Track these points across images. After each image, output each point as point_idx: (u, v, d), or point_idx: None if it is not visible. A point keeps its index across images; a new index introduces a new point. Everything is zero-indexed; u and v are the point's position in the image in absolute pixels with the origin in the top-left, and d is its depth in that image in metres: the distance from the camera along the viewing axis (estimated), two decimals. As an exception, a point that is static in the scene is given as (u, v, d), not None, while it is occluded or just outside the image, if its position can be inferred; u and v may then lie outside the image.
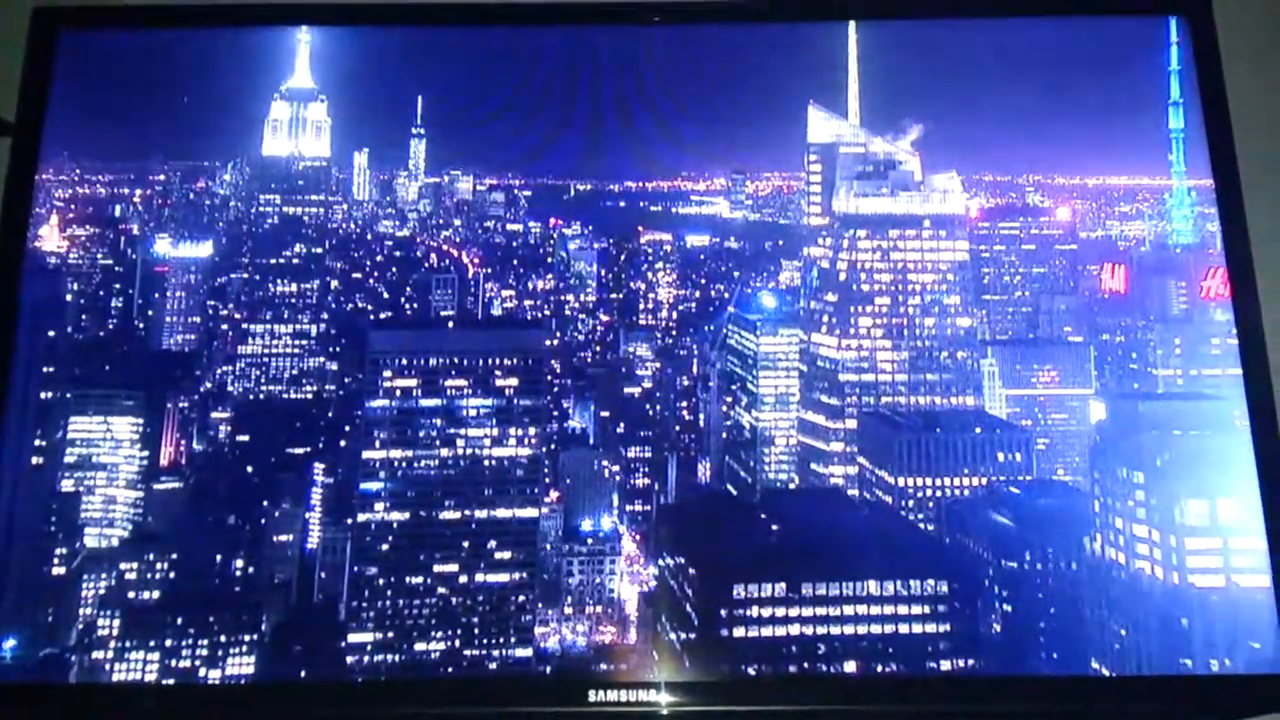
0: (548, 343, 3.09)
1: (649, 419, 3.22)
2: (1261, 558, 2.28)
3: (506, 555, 2.78)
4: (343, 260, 3.28)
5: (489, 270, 3.32)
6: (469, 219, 3.44)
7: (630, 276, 3.37)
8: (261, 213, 3.26)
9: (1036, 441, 2.94)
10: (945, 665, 2.51)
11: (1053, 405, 3.06)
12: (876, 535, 2.80)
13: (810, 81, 3.03)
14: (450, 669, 2.70)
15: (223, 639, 2.56)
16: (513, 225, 3.42)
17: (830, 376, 3.08)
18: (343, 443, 2.94)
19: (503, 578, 2.76)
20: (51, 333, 2.79)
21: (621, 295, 3.35)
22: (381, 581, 2.73)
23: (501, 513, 2.82)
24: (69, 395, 2.81)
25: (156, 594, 2.67)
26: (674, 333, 3.31)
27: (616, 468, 3.09)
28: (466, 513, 2.80)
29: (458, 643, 2.69)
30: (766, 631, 2.48)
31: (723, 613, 2.50)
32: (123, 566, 2.69)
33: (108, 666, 2.55)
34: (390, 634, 2.68)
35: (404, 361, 2.88)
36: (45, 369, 2.72)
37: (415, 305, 3.26)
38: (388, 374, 2.87)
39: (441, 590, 2.73)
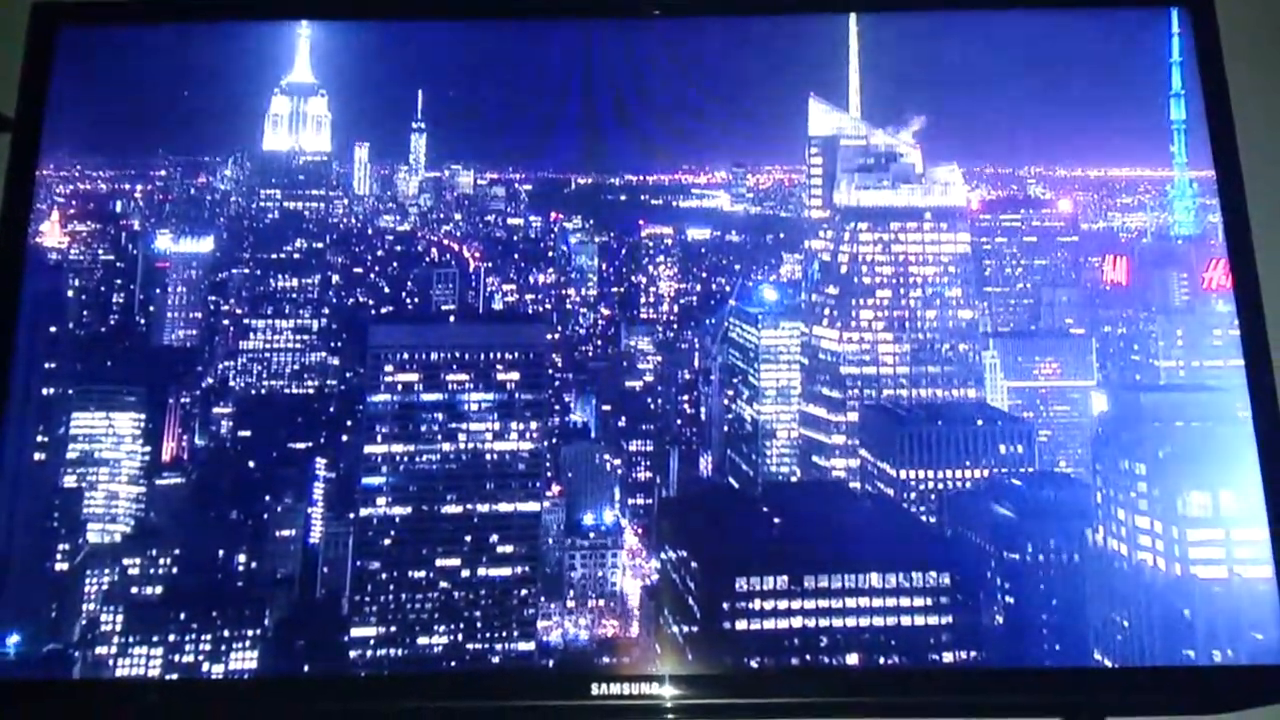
0: (549, 337, 3.09)
1: (650, 413, 3.22)
2: (1263, 548, 2.28)
3: (508, 549, 2.79)
4: (344, 255, 3.28)
5: (490, 264, 3.32)
6: (470, 213, 3.44)
7: (631, 270, 3.37)
8: (262, 208, 3.26)
9: (1038, 433, 2.94)
10: (947, 657, 2.51)
11: (1054, 397, 3.06)
12: (878, 528, 2.81)
13: (811, 74, 3.02)
14: (453, 663, 2.70)
15: (226, 634, 2.57)
16: (513, 219, 3.42)
17: (832, 369, 3.07)
18: (344, 438, 2.94)
19: (505, 572, 2.77)
20: (53, 329, 2.79)
21: (623, 289, 3.35)
22: (384, 576, 2.73)
23: (503, 507, 2.82)
24: (71, 391, 2.81)
25: (159, 589, 2.67)
26: (675, 326, 3.31)
27: (618, 461, 3.09)
28: (468, 507, 2.80)
29: (460, 637, 2.69)
30: (769, 624, 2.49)
31: (725, 605, 2.50)
32: (125, 562, 2.70)
33: (111, 662, 2.55)
34: (393, 628, 2.68)
35: (405, 356, 2.88)
36: (47, 365, 2.73)
37: (416, 300, 3.26)
38: (389, 369, 2.87)
39: (444, 584, 2.73)
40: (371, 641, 2.67)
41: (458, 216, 3.44)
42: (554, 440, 2.98)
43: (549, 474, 2.94)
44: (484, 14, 2.89)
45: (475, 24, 2.93)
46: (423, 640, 2.68)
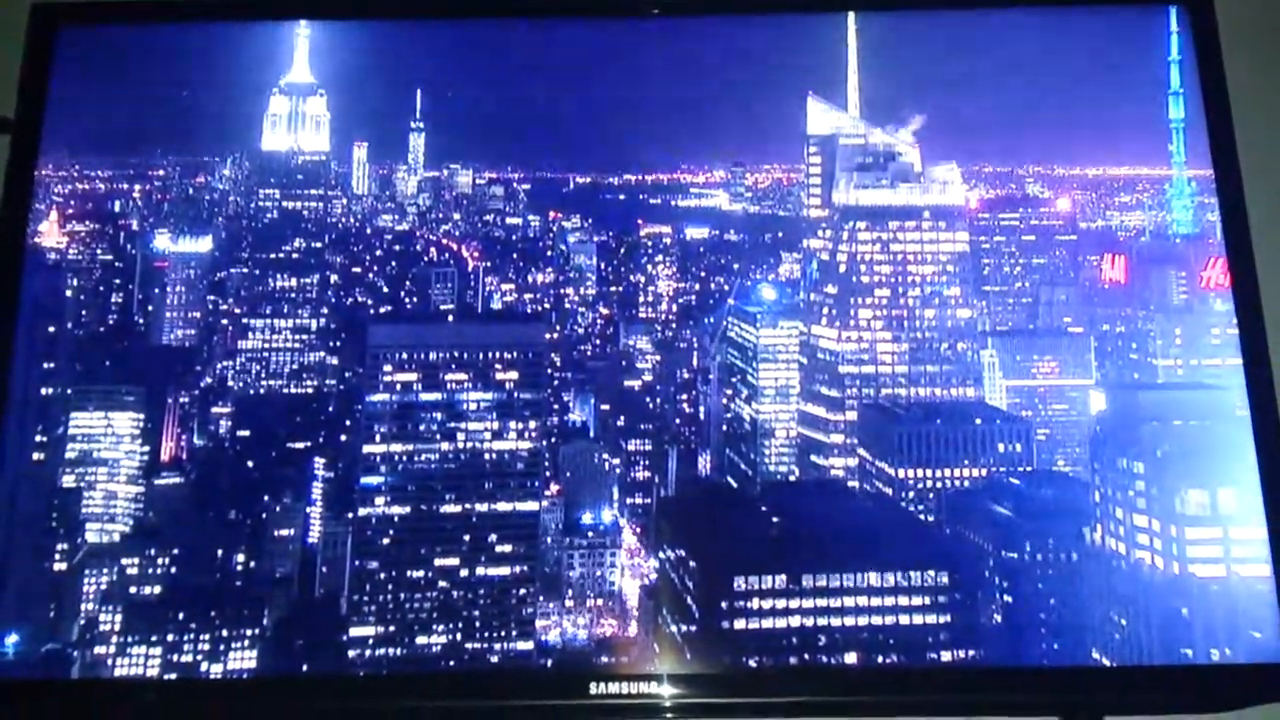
0: (547, 336, 3.09)
1: (649, 412, 3.23)
2: (1262, 547, 2.28)
3: (507, 549, 2.79)
4: (342, 254, 3.28)
5: (489, 264, 3.32)
6: (468, 213, 3.44)
7: (630, 269, 3.36)
8: (261, 207, 3.26)
9: (1037, 432, 2.94)
10: (946, 656, 2.51)
11: (1053, 396, 3.06)
12: (877, 527, 2.81)
13: (809, 73, 3.02)
14: (452, 662, 2.71)
15: (224, 633, 2.57)
16: (512, 219, 3.42)
17: (830, 368, 3.07)
18: (343, 437, 2.94)
19: (503, 571, 2.77)
20: (52, 328, 2.79)
21: (621, 288, 3.35)
22: (382, 575, 2.73)
23: (502, 506, 2.82)
24: (69, 391, 2.81)
25: (158, 589, 2.68)
26: (674, 325, 3.31)
27: (617, 461, 3.10)
28: (467, 506, 2.80)
29: (459, 636, 2.69)
30: (767, 623, 2.48)
31: (724, 605, 2.50)
32: (124, 562, 2.70)
33: (110, 662, 2.55)
34: (391, 628, 2.68)
35: (404, 356, 2.88)
36: (46, 365, 2.73)
37: (415, 299, 3.26)
38: (388, 368, 2.87)
39: (442, 584, 2.73)
40: (370, 641, 2.67)
41: (456, 216, 3.45)
42: (553, 439, 2.99)
43: (547, 473, 2.94)
44: (483, 13, 2.89)
45: (474, 23, 2.93)
46: (421, 640, 2.68)
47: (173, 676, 2.55)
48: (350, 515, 2.81)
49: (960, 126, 2.99)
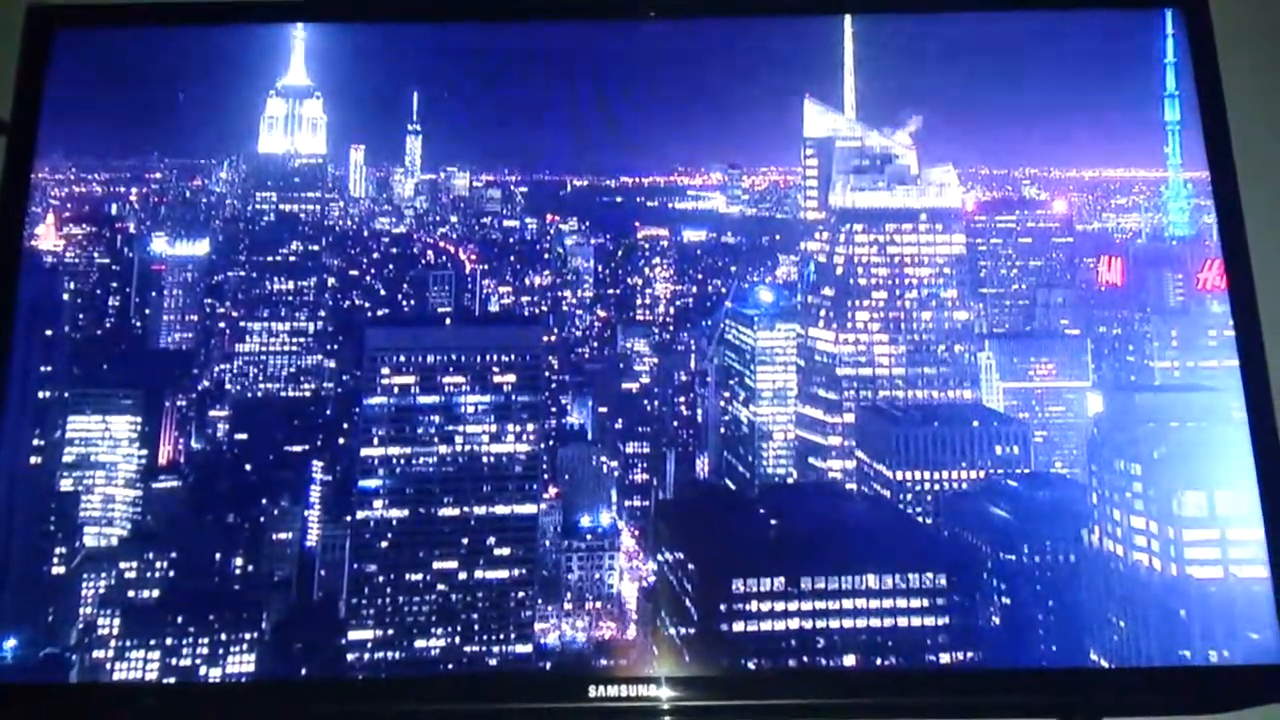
0: (545, 339, 3.09)
1: (647, 415, 3.23)
2: (1259, 548, 2.29)
3: (505, 552, 2.79)
4: (340, 257, 3.28)
5: (486, 267, 3.32)
6: (465, 215, 3.44)
7: (627, 272, 3.36)
8: (258, 210, 3.25)
9: (1034, 434, 2.95)
10: (944, 658, 2.51)
11: (1050, 398, 3.07)
12: (875, 529, 2.81)
13: (806, 75, 3.03)
14: (450, 665, 2.70)
15: (223, 637, 2.56)
16: (509, 221, 3.42)
17: (828, 371, 3.08)
18: (341, 440, 2.94)
19: (502, 574, 2.77)
20: (49, 332, 2.78)
21: (618, 291, 3.35)
22: (381, 579, 2.73)
23: (500, 509, 2.82)
24: (67, 394, 2.80)
25: (156, 593, 2.67)
26: (671, 328, 3.31)
27: (615, 463, 3.10)
28: (465, 509, 2.80)
29: (458, 639, 2.69)
30: (766, 625, 2.49)
31: (722, 607, 2.51)
32: (122, 565, 2.69)
33: (108, 666, 2.55)
34: (390, 631, 2.68)
35: (402, 358, 2.88)
36: (43, 368, 2.72)
37: (412, 302, 3.26)
38: (385, 371, 2.87)
39: (441, 587, 2.73)
40: (369, 644, 2.67)
41: (454, 219, 3.45)
42: (551, 442, 2.99)
43: (546, 476, 2.94)
44: (479, 17, 2.89)
45: (471, 26, 2.93)
46: (420, 643, 2.68)
47: (171, 680, 2.55)
48: (348, 518, 2.81)
49: (957, 129, 3.00)
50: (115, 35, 2.85)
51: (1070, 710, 2.27)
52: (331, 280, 3.22)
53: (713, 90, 3.01)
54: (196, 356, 3.10)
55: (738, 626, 2.49)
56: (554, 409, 3.06)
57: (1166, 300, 2.90)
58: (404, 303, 3.26)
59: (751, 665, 2.49)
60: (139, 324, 3.12)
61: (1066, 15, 2.88)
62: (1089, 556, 2.56)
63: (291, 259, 3.21)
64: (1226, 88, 2.60)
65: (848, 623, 2.49)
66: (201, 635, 2.56)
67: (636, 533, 3.02)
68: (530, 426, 2.89)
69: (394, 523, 2.78)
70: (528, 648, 2.73)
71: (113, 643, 2.56)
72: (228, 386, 3.05)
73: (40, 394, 2.70)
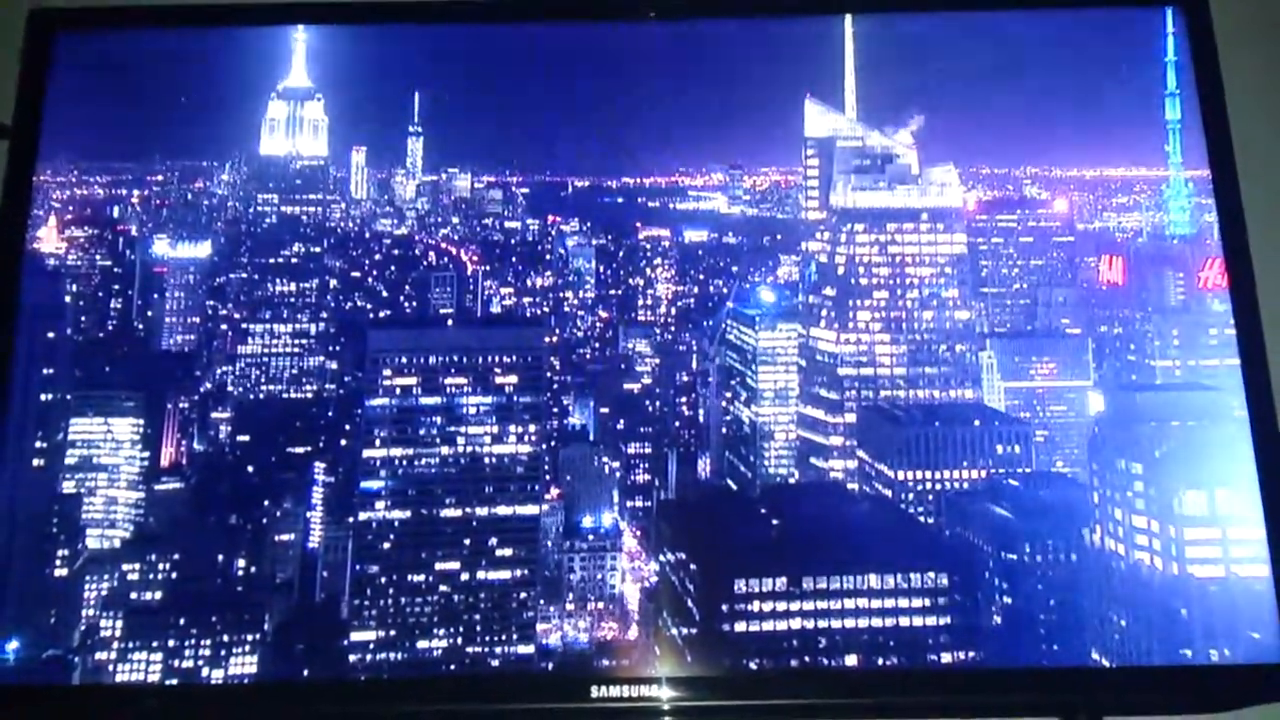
0: (547, 340, 3.10)
1: (649, 415, 3.23)
2: (1260, 547, 2.28)
3: (508, 552, 2.79)
4: (341, 259, 3.29)
5: (487, 268, 3.32)
6: (467, 217, 3.44)
7: (629, 273, 3.37)
8: (260, 212, 3.26)
9: (1035, 434, 2.95)
10: (946, 657, 2.51)
11: (1051, 397, 3.06)
12: (877, 529, 2.81)
13: (807, 75, 3.03)
14: (452, 666, 2.70)
15: (225, 639, 2.57)
16: (511, 223, 3.42)
17: (829, 371, 3.08)
18: (343, 442, 2.94)
19: (504, 575, 2.77)
20: (51, 334, 2.79)
21: (620, 291, 3.35)
22: (383, 580, 2.73)
23: (502, 510, 2.82)
24: (69, 397, 2.81)
25: (159, 594, 2.67)
26: (673, 329, 3.31)
27: (616, 464, 3.10)
28: (467, 510, 2.80)
29: (460, 640, 2.69)
30: (768, 625, 2.49)
31: (724, 607, 2.51)
32: (125, 567, 2.70)
33: (110, 668, 2.55)
34: (392, 632, 2.68)
35: (403, 360, 2.88)
36: (45, 371, 2.73)
37: (414, 303, 3.27)
38: (387, 372, 2.88)
39: (443, 588, 2.73)
40: (371, 645, 2.67)
41: (455, 220, 3.45)
42: (552, 443, 2.99)
43: (547, 477, 2.94)
44: (480, 18, 2.89)
45: (471, 28, 2.93)
46: (422, 644, 2.69)
47: (174, 682, 2.55)
48: (350, 520, 2.81)
49: (957, 128, 3.00)
50: (116, 38, 2.86)
51: (1071, 709, 2.27)
52: (333, 282, 3.23)
53: (713, 91, 3.01)
54: (198, 358, 3.11)
55: (739, 627, 2.49)
56: (556, 410, 3.06)
57: (1168, 299, 2.90)
58: (406, 304, 3.27)
59: (753, 665, 2.49)
60: (141, 326, 3.13)
61: (1067, 14, 2.87)
62: (1090, 556, 2.56)
63: (293, 261, 3.21)
64: (1227, 86, 2.60)
65: (849, 623, 2.49)
66: (204, 637, 2.56)
67: (638, 533, 3.02)
68: (532, 427, 2.89)
69: (396, 524, 2.78)
70: (530, 648, 2.73)
71: (115, 644, 2.57)
72: (230, 388, 3.05)
73: (42, 396, 2.70)
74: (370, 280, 3.29)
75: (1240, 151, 2.55)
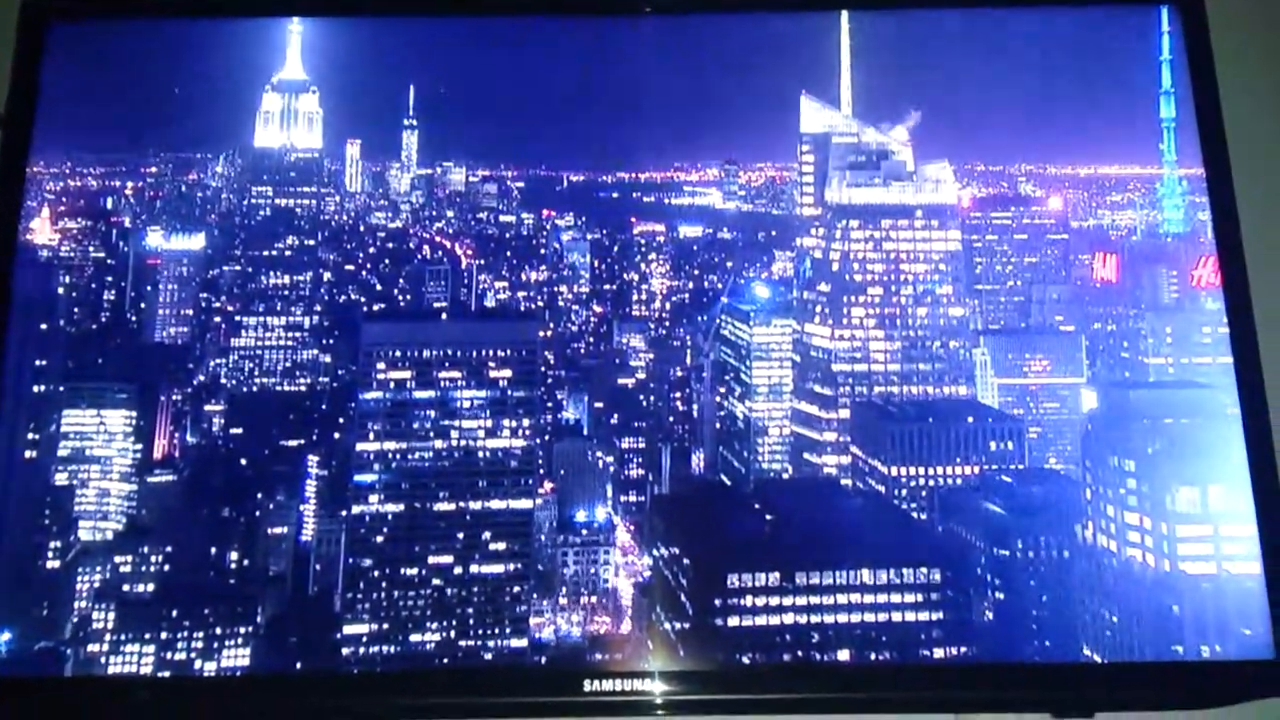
0: (541, 334, 3.10)
1: (643, 410, 3.22)
2: (1252, 544, 2.29)
3: (501, 546, 2.79)
4: (335, 252, 3.28)
5: (482, 262, 3.32)
6: (461, 210, 3.44)
7: (623, 267, 3.37)
8: (254, 205, 3.25)
9: (1028, 430, 2.95)
10: (938, 653, 2.52)
11: (1045, 394, 3.07)
12: (870, 524, 2.82)
13: (803, 71, 3.03)
14: (446, 660, 2.70)
15: (218, 631, 2.57)
16: (505, 217, 3.42)
17: (823, 366, 3.08)
18: (336, 435, 2.94)
19: (497, 569, 2.77)
20: (44, 326, 2.78)
21: (615, 286, 3.35)
22: (376, 573, 2.73)
23: (496, 504, 2.82)
24: (62, 389, 2.80)
25: (151, 587, 2.67)
26: (667, 324, 3.31)
27: (610, 458, 3.10)
28: (461, 504, 2.80)
29: (453, 633, 2.69)
30: (760, 620, 2.49)
31: (717, 602, 2.51)
32: (117, 559, 2.69)
33: (103, 660, 2.54)
34: (385, 625, 2.68)
35: (397, 353, 2.88)
36: (38, 362, 2.72)
37: (408, 297, 3.26)
38: (381, 366, 2.87)
39: (436, 581, 2.73)
40: (364, 639, 2.67)
41: (450, 213, 3.44)
42: (546, 437, 2.99)
43: (541, 471, 2.94)
44: (476, 11, 2.89)
45: (467, 21, 2.92)
46: (415, 637, 2.68)
47: (166, 674, 2.55)
48: (344, 513, 2.81)
49: (953, 125, 3.00)
50: (110, 29, 2.84)
51: (1063, 705, 2.27)
52: (327, 275, 3.22)
53: (709, 86, 3.01)
54: (192, 351, 3.10)
55: (732, 621, 2.50)
56: (550, 404, 3.06)
57: (1161, 297, 2.91)
58: (400, 297, 3.26)
59: (746, 660, 2.50)
60: (134, 318, 3.12)
61: (1063, 12, 2.88)
62: (1082, 552, 2.57)
63: (287, 253, 3.21)
64: (1222, 85, 2.60)
65: (842, 618, 2.49)
66: (196, 629, 2.56)
67: (632, 528, 3.02)
68: (526, 421, 2.89)
69: (389, 517, 2.78)
70: (523, 642, 2.73)
71: (107, 637, 2.56)
72: (223, 381, 3.05)
73: (35, 388, 2.69)
74: (364, 274, 3.28)
75: (1234, 150, 2.56)
